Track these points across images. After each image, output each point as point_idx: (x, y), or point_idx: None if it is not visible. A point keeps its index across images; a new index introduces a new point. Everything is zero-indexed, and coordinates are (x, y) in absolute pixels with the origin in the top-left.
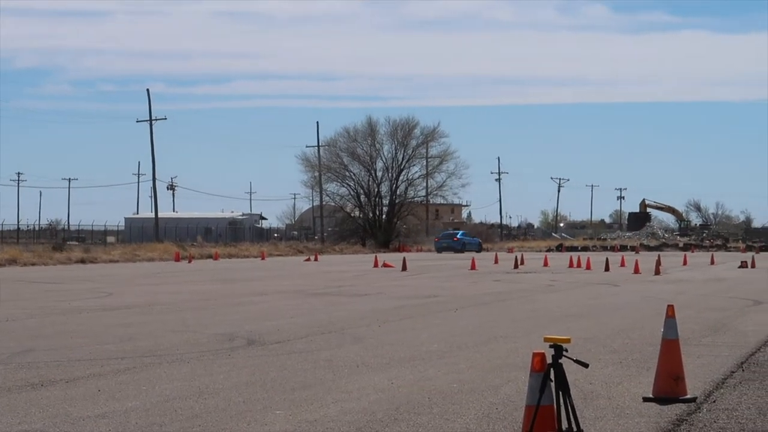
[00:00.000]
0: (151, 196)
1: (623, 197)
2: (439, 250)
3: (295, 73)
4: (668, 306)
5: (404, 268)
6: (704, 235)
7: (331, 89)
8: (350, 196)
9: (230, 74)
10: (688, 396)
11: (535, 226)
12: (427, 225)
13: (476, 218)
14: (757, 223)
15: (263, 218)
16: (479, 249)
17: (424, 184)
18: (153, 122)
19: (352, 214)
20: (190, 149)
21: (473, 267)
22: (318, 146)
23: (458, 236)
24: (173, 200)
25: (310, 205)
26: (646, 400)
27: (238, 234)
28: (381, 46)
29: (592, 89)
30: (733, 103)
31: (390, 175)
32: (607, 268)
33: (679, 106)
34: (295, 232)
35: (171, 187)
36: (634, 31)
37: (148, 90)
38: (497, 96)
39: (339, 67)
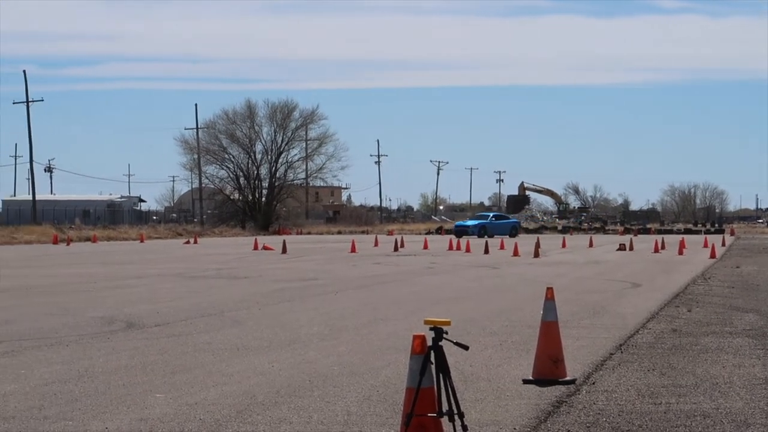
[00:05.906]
0: (29, 179)
1: (502, 180)
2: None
3: (172, 56)
4: (547, 288)
5: (284, 250)
6: (583, 217)
7: (208, 72)
8: (230, 179)
9: (106, 56)
10: (568, 378)
11: (415, 209)
12: (307, 208)
13: (356, 201)
14: (635, 206)
15: (142, 201)
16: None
17: (304, 167)
18: (30, 104)
19: (232, 197)
20: (69, 131)
21: (353, 250)
22: (197, 128)
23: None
24: (51, 182)
25: (189, 188)
26: (526, 382)
27: (117, 216)
28: (258, 29)
29: (470, 72)
30: (612, 87)
31: (269, 157)
32: (486, 251)
33: (558, 90)
34: (174, 215)
35: (49, 170)
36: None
37: (24, 71)
38: (376, 79)
39: (216, 50)
